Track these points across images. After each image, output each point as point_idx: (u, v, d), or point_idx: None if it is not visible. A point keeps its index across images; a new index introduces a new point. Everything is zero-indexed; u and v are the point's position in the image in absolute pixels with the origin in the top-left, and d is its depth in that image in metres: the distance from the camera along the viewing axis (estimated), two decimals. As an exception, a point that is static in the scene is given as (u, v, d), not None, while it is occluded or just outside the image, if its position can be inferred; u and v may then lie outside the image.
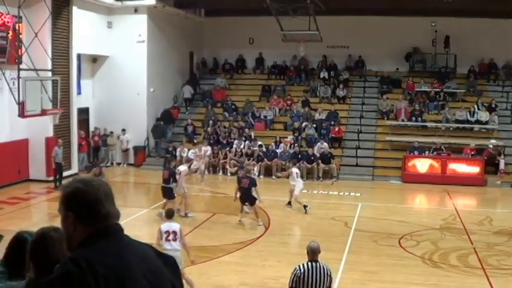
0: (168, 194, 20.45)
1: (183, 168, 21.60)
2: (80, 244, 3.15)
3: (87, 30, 29.44)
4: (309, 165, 28.80)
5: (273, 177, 28.69)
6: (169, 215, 13.75)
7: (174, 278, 3.41)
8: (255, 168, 26.22)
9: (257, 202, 20.65)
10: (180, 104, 36.30)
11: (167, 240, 12.90)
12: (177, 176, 20.65)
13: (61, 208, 3.23)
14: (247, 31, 37.66)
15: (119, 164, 32.16)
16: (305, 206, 22.08)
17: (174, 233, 13.06)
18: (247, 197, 20.39)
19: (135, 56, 31.79)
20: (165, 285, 3.30)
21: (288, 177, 23.45)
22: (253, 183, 20.59)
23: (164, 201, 20.59)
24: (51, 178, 26.01)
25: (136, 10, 31.83)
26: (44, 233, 3.96)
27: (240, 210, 20.61)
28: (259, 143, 30.55)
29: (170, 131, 33.75)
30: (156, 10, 32.43)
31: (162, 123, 33.31)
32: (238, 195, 20.80)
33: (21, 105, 21.96)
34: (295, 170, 23.23)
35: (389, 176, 29.10)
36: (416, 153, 29.28)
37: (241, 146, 30.54)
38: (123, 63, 31.97)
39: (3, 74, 23.69)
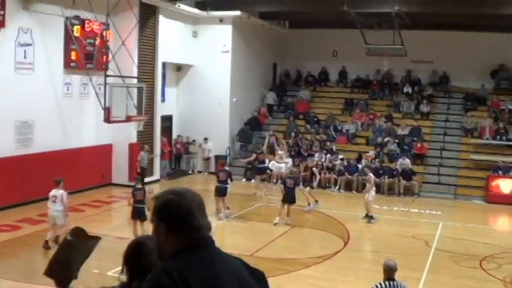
0: (223, 192, 21.98)
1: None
2: (172, 255, 3.16)
3: (172, 39, 29.85)
4: (391, 179, 28.44)
5: (354, 191, 28.50)
6: None
7: None
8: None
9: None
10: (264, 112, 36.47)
11: None
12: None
13: (153, 218, 3.27)
14: (331, 44, 37.40)
15: (200, 172, 32.41)
16: (371, 217, 22.42)
17: None
18: (290, 197, 21.57)
19: (219, 65, 31.99)
20: None
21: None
22: (297, 183, 22.34)
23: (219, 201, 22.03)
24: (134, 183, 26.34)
25: (221, 20, 32.12)
26: (139, 241, 4.02)
27: (278, 212, 21.61)
28: (341, 156, 30.30)
29: (255, 137, 34.00)
30: (241, 21, 32.64)
31: (248, 128, 33.66)
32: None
33: (107, 111, 22.34)
34: (373, 176, 23.54)
35: (472, 196, 28.25)
36: (500, 173, 28.46)
37: (323, 159, 30.34)
38: (207, 73, 32.24)
39: (90, 79, 24.21)
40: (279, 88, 38.40)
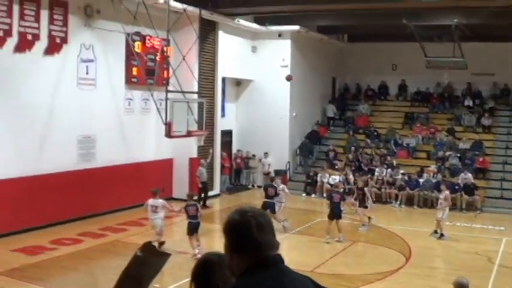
0: (272, 208, 21.73)
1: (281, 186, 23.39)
2: (241, 273, 3.22)
3: (232, 54, 30.05)
4: (453, 195, 27.96)
5: (415, 207, 28.16)
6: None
7: None
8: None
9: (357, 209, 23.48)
10: (325, 124, 36.59)
11: None
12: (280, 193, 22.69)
13: (223, 236, 3.37)
14: (390, 57, 37.10)
15: (259, 186, 32.30)
16: (442, 235, 21.86)
17: None
18: (336, 212, 21.14)
19: (278, 80, 31.82)
20: None
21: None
22: (343, 198, 22.11)
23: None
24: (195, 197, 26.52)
25: (280, 35, 32.22)
26: (208, 258, 4.03)
27: (327, 230, 21.15)
28: (402, 171, 29.97)
29: (316, 151, 34.11)
30: (300, 35, 32.68)
31: (308, 141, 33.76)
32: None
33: (168, 126, 22.51)
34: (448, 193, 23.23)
35: (536, 211, 27.67)
36: None
37: (383, 174, 30.04)
38: (266, 87, 32.35)
39: (152, 95, 24.42)
40: (338, 101, 38.31)
